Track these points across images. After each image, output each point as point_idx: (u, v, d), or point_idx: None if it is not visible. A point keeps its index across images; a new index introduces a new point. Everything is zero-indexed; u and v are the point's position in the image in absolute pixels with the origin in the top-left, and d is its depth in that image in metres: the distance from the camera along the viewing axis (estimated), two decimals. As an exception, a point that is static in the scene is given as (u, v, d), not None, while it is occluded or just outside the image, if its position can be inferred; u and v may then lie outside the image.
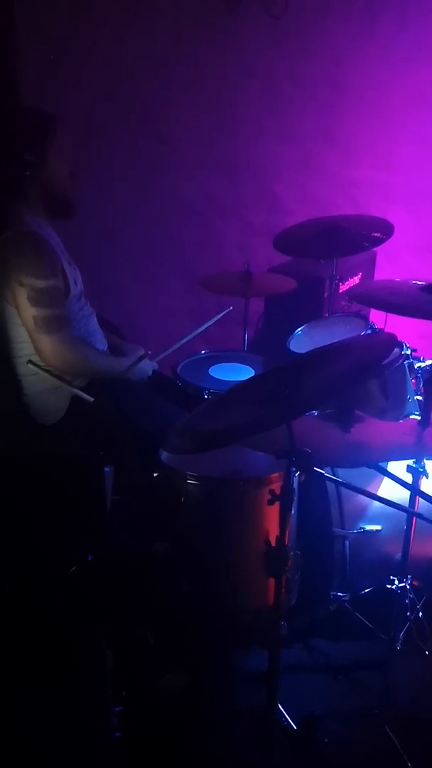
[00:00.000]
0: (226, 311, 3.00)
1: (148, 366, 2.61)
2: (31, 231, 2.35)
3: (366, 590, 2.36)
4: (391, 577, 2.29)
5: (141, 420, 2.45)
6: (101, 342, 2.62)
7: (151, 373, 2.63)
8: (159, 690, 2.14)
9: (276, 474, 2.00)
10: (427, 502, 2.06)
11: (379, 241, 3.14)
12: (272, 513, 1.77)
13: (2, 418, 2.49)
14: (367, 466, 1.99)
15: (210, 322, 2.93)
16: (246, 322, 3.21)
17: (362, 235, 3.10)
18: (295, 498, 1.91)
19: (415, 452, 2.01)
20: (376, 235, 3.11)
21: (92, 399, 2.40)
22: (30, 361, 2.40)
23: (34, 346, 2.36)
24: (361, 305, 3.32)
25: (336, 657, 2.30)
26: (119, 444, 2.42)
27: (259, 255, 3.57)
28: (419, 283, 2.19)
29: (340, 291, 3.49)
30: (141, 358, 2.58)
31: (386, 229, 3.11)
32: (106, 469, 2.33)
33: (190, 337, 2.84)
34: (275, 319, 3.68)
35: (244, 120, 3.86)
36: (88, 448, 2.43)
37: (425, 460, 2.08)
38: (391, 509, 2.19)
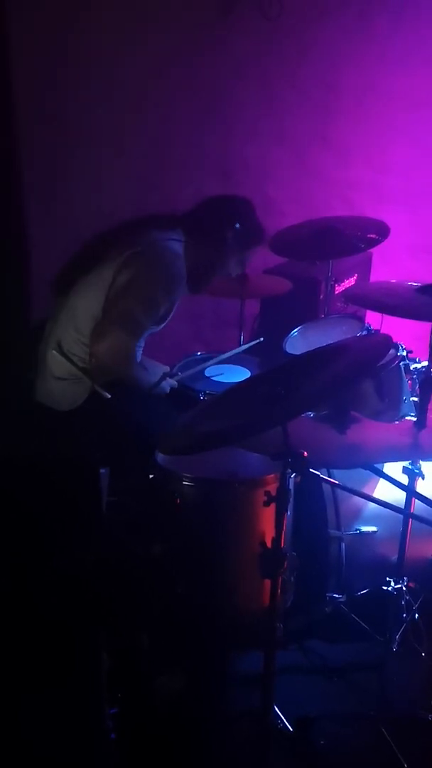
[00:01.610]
0: (256, 341, 2.99)
1: (167, 384, 2.64)
2: (182, 257, 2.48)
3: (362, 592, 2.36)
4: (387, 578, 2.29)
5: (137, 421, 2.45)
6: None
7: (168, 390, 2.65)
8: (156, 691, 2.14)
9: (271, 475, 2.00)
10: (423, 504, 2.06)
11: (374, 243, 3.14)
12: (268, 514, 1.77)
13: (10, 398, 2.53)
14: (363, 468, 1.99)
15: (238, 350, 2.92)
16: (242, 324, 3.21)
17: (358, 237, 3.10)
18: (291, 499, 1.91)
19: (410, 454, 2.01)
20: (371, 236, 3.11)
21: (109, 396, 2.43)
22: (58, 346, 2.45)
23: (99, 332, 2.40)
24: (357, 306, 3.32)
25: (332, 659, 2.30)
26: (117, 445, 2.42)
27: (255, 256, 3.57)
28: (415, 284, 2.19)
29: (336, 292, 3.49)
30: (164, 377, 2.62)
31: (382, 230, 3.12)
32: (102, 470, 2.33)
33: (213, 361, 2.84)
34: (271, 320, 3.68)
35: (239, 121, 3.85)
36: (89, 445, 2.43)
37: (421, 462, 2.08)
38: (387, 510, 2.19)
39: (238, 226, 2.55)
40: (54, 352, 2.45)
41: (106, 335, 2.39)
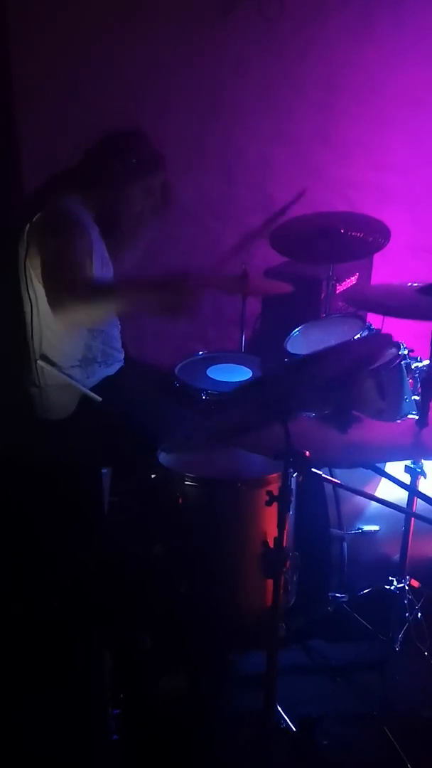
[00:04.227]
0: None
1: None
2: (70, 211, 2.33)
3: (364, 591, 2.36)
4: (390, 577, 2.28)
5: (140, 421, 2.45)
6: (119, 351, 2.60)
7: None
8: (158, 692, 2.14)
9: (274, 475, 2.00)
10: (425, 503, 2.06)
11: (379, 246, 3.07)
12: (270, 514, 1.77)
13: (6, 411, 2.49)
14: (365, 467, 1.99)
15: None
16: (243, 323, 3.20)
17: (360, 241, 3.04)
18: (293, 499, 1.91)
19: (412, 452, 2.00)
20: (375, 239, 3.05)
21: (100, 399, 2.40)
22: (42, 356, 2.38)
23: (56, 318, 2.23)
24: (358, 309, 3.30)
25: (334, 658, 2.30)
26: (119, 445, 2.41)
27: (256, 256, 3.57)
28: (415, 284, 2.19)
29: (337, 292, 3.48)
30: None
31: (384, 233, 3.05)
32: (104, 470, 2.33)
33: None
34: (272, 320, 3.67)
35: (239, 121, 3.86)
36: (89, 449, 2.42)
37: (423, 461, 2.08)
38: (389, 509, 2.19)
39: (125, 158, 2.42)
40: (40, 362, 2.40)
41: (53, 311, 2.20)
